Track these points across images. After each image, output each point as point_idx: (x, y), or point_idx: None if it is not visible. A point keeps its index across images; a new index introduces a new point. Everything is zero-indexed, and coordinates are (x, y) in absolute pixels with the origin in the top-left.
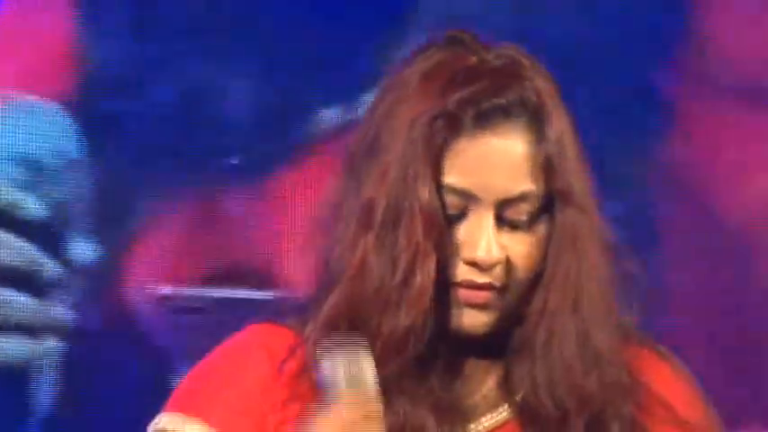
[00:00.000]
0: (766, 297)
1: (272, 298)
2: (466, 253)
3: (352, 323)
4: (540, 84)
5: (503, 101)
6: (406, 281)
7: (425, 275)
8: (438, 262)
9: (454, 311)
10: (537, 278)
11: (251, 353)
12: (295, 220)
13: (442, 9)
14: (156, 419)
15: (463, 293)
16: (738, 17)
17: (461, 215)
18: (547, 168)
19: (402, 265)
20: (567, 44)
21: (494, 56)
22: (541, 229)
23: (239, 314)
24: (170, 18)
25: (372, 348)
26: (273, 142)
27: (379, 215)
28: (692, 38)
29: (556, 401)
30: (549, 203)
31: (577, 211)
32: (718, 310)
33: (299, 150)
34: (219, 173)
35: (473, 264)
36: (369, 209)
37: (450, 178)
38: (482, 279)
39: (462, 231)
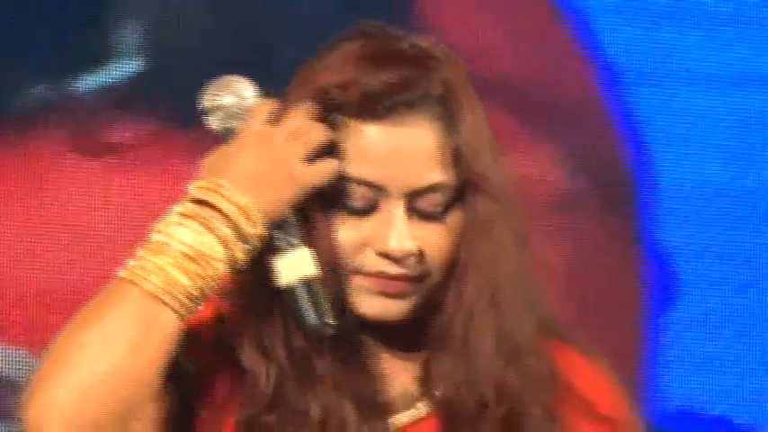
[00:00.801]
0: None
1: None
2: (378, 245)
3: None
4: (449, 75)
5: (407, 96)
6: None
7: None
8: (354, 254)
9: (369, 301)
10: (454, 268)
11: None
12: None
13: None
14: None
15: (377, 283)
16: (460, 12)
17: (373, 207)
18: (457, 159)
19: None
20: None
21: (406, 46)
22: (455, 219)
23: None
24: None
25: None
26: None
27: None
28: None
29: (475, 396)
30: (462, 194)
31: (491, 201)
32: None
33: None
34: None
35: (386, 255)
36: None
37: (358, 170)
38: (395, 270)
39: (374, 224)
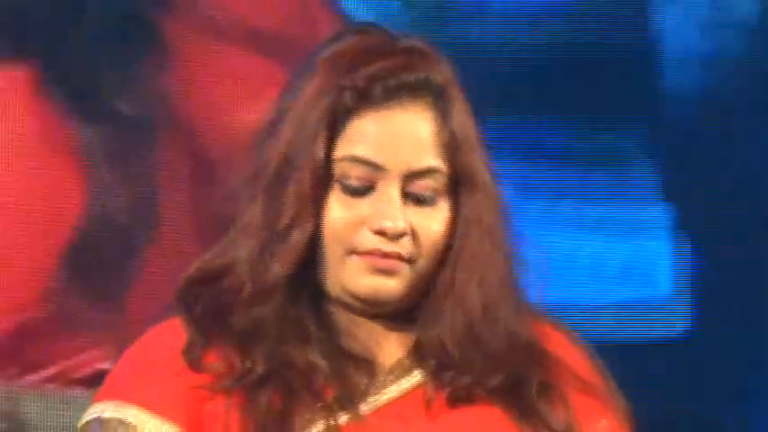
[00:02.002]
0: None
1: None
2: (373, 223)
3: (220, 273)
4: (445, 70)
5: (410, 78)
6: (287, 232)
7: (305, 230)
8: (351, 232)
9: (363, 280)
10: (444, 257)
11: (175, 335)
12: None
13: None
14: (92, 409)
15: (371, 260)
16: None
17: (369, 188)
18: (452, 148)
19: (286, 215)
20: None
21: (403, 41)
22: (446, 207)
23: None
24: None
25: (241, 293)
26: None
27: (271, 171)
28: None
29: (466, 363)
30: (453, 185)
31: (482, 193)
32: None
33: None
34: None
35: (381, 233)
36: (263, 167)
37: (358, 150)
38: (390, 248)
39: (370, 204)
